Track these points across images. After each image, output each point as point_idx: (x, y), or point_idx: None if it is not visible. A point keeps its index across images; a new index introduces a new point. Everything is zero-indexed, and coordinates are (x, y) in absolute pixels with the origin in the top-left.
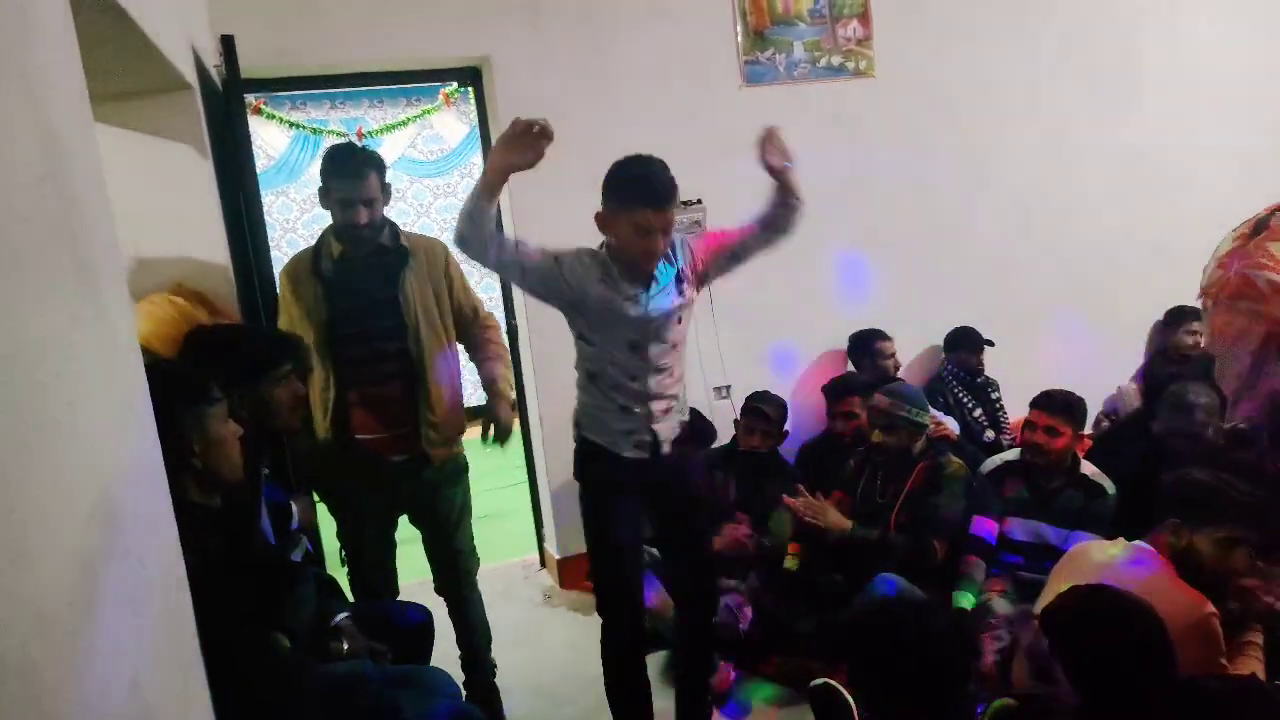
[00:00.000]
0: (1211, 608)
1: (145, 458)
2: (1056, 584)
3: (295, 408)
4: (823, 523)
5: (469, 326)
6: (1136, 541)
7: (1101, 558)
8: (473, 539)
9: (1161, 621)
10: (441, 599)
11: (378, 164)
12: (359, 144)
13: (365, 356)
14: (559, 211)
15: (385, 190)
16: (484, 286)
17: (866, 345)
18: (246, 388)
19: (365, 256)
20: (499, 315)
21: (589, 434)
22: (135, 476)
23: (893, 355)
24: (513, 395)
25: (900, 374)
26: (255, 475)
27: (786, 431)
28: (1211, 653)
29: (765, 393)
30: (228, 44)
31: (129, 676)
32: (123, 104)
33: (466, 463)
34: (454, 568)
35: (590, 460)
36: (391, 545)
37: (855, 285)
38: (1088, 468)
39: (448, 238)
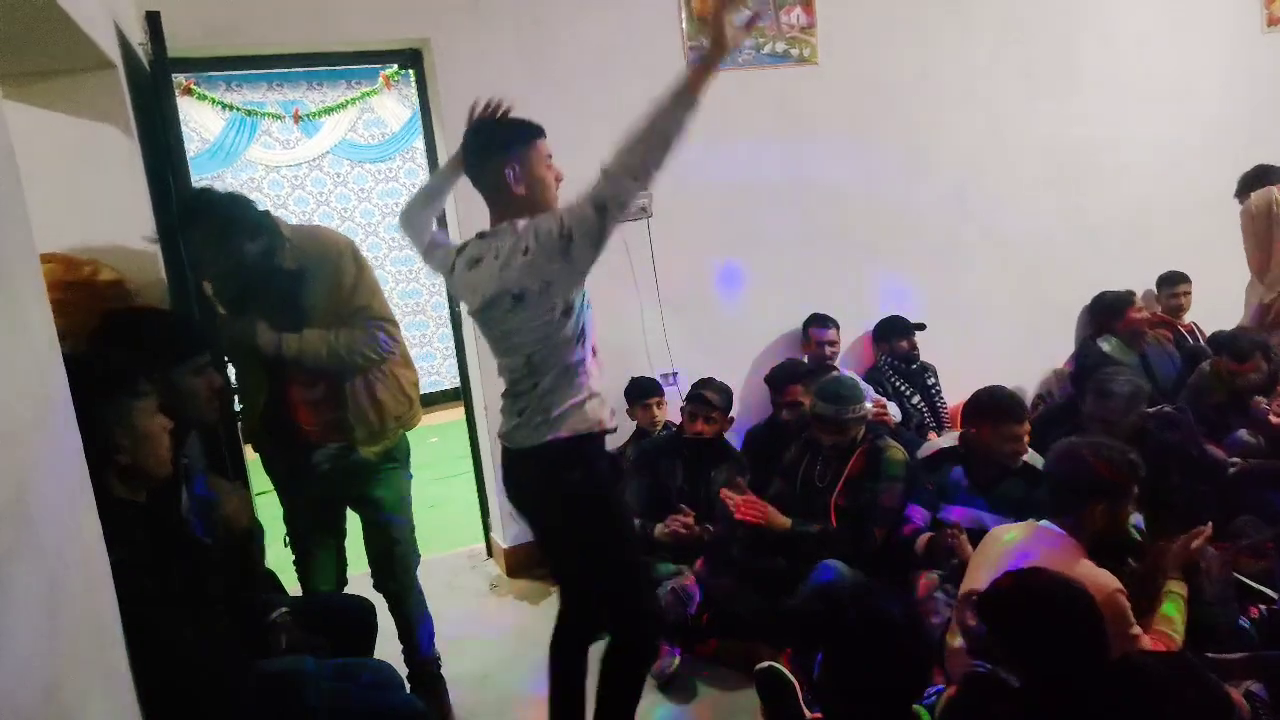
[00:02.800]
0: (1118, 585)
1: (63, 452)
2: (972, 570)
3: (211, 399)
4: (765, 523)
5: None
6: (1041, 521)
7: (1007, 540)
8: (413, 531)
9: (1092, 599)
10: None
11: (201, 219)
12: (206, 189)
13: (289, 369)
14: None
15: (226, 239)
16: (427, 272)
17: (806, 329)
18: (162, 375)
19: (265, 284)
20: (441, 300)
21: (582, 428)
22: (52, 472)
23: (829, 344)
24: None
25: (840, 360)
26: (176, 467)
27: (732, 418)
28: (1122, 628)
29: (710, 380)
30: (153, 20)
31: (45, 680)
32: (40, 82)
33: (407, 451)
34: (390, 558)
35: (594, 458)
36: (337, 534)
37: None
38: (1028, 456)
39: (388, 223)
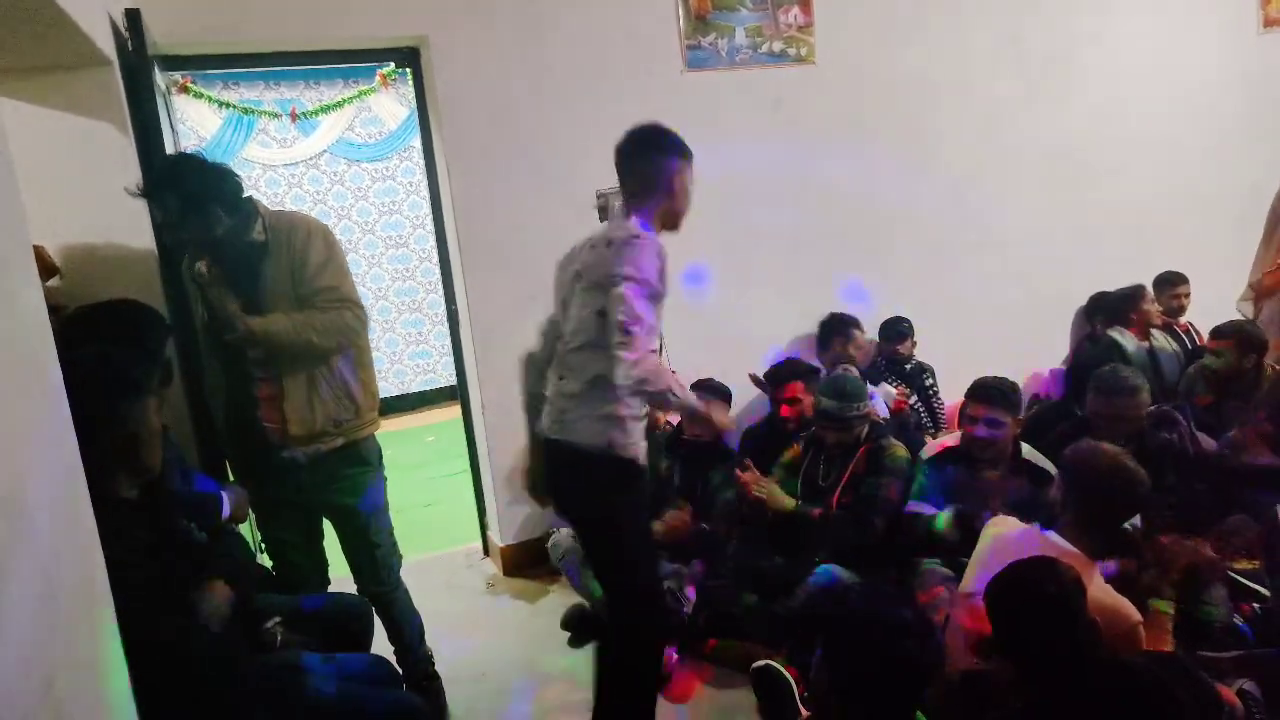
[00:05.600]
0: (1139, 617)
1: (59, 448)
2: (970, 569)
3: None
4: (768, 498)
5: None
6: (1047, 531)
7: (996, 533)
8: (392, 533)
9: (1067, 575)
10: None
11: (183, 182)
12: (193, 155)
13: (239, 355)
14: (504, 196)
15: (204, 206)
16: (423, 270)
17: (841, 328)
18: (156, 368)
19: (231, 256)
20: (438, 298)
21: (626, 452)
22: (47, 466)
23: (862, 347)
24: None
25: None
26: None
27: (732, 420)
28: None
29: (708, 381)
30: (133, 18)
31: (42, 675)
32: (35, 78)
33: (379, 452)
34: (372, 562)
35: (635, 478)
36: (312, 537)
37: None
38: (1030, 454)
39: (385, 221)
